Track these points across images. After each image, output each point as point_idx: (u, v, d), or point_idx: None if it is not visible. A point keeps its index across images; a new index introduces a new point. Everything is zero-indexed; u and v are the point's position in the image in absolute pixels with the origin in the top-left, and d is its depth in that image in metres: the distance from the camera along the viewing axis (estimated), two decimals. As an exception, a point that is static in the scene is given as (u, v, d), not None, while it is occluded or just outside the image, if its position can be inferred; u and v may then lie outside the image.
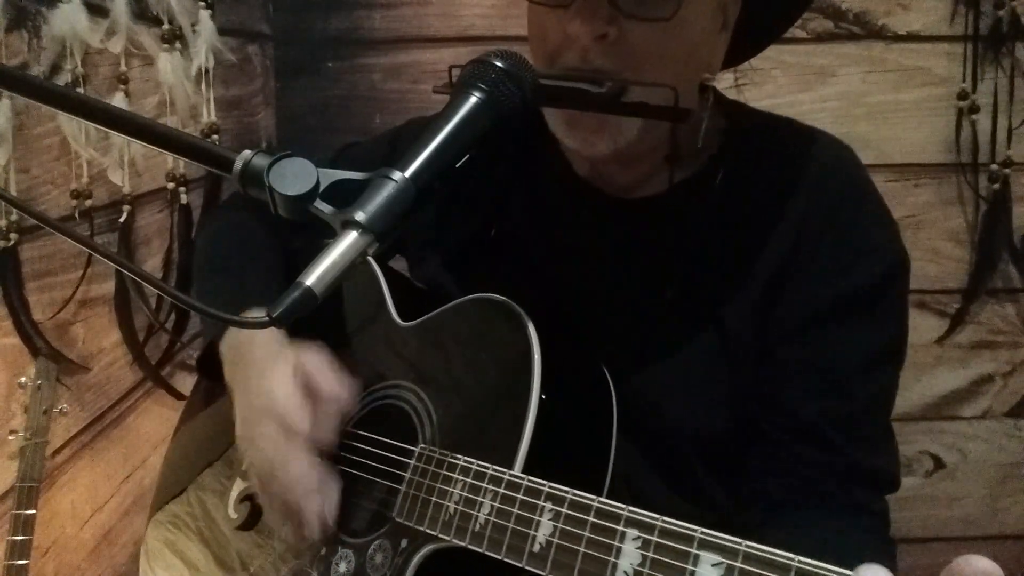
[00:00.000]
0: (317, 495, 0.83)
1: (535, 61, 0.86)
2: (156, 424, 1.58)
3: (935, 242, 1.79)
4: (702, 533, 0.61)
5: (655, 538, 0.63)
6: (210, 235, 1.19)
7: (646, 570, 0.63)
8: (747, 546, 0.59)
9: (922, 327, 1.80)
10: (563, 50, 0.83)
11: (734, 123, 0.95)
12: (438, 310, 0.92)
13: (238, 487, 0.99)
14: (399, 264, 1.10)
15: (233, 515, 0.98)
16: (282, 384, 0.85)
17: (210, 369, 0.99)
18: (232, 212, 1.17)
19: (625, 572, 0.64)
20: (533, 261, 0.99)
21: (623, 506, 0.66)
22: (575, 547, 0.67)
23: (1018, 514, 1.84)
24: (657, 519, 0.64)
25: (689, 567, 0.61)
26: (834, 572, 0.55)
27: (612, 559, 0.65)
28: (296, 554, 0.91)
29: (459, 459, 0.79)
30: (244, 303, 0.90)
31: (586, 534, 0.67)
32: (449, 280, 1.01)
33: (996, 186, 1.75)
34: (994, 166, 1.74)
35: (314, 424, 0.83)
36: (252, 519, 0.96)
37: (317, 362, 0.87)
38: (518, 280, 0.91)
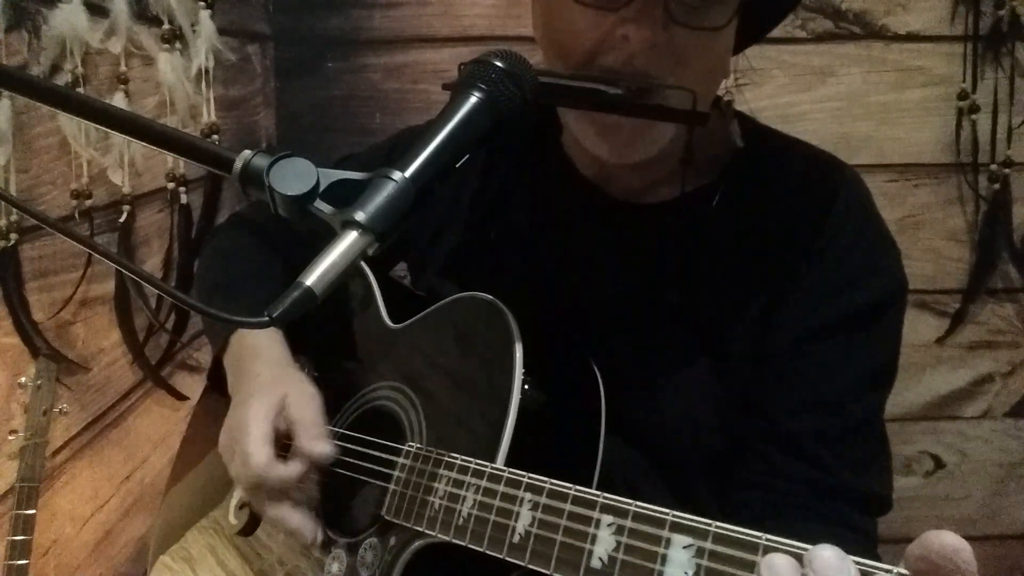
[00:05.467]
0: (289, 517, 0.86)
1: (552, 59, 0.86)
2: (156, 424, 1.58)
3: (935, 242, 1.78)
4: (674, 516, 0.62)
5: (629, 523, 0.64)
6: (209, 255, 1.20)
7: (620, 555, 0.63)
8: (716, 526, 0.60)
9: (922, 327, 1.79)
10: (603, 51, 0.82)
11: (749, 138, 0.95)
12: (426, 311, 0.93)
13: (238, 494, 0.99)
14: (400, 271, 1.10)
15: (233, 521, 0.99)
16: (258, 422, 0.87)
17: (219, 383, 1.01)
18: (231, 231, 1.18)
19: (600, 558, 0.64)
20: (535, 262, 0.98)
21: (598, 493, 0.66)
22: (553, 536, 0.67)
23: (1018, 514, 1.84)
24: (631, 504, 0.64)
25: (661, 550, 0.61)
26: (798, 548, 0.55)
27: (588, 546, 0.65)
28: (292, 556, 0.92)
29: (444, 455, 0.79)
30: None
31: (563, 522, 0.67)
32: (451, 283, 1.01)
33: (996, 186, 1.74)
34: (994, 166, 1.74)
35: (273, 472, 0.85)
36: (251, 525, 0.96)
37: (302, 408, 0.89)
38: (519, 282, 0.91)
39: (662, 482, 0.90)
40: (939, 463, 1.84)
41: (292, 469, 0.85)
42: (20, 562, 1.17)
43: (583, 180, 0.97)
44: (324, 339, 1.04)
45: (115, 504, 1.48)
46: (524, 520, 0.70)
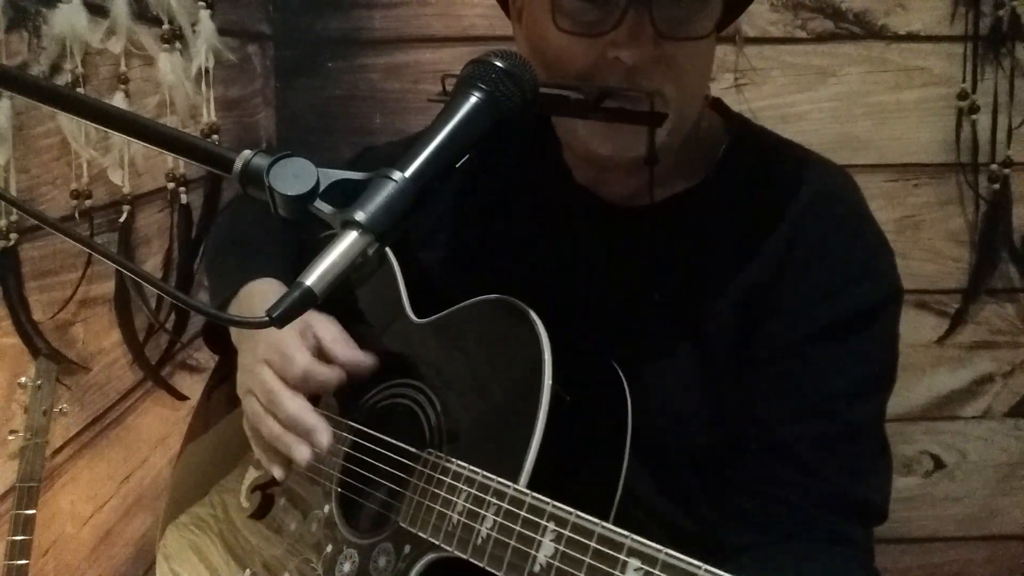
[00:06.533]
0: (304, 424, 0.85)
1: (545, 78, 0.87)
2: (156, 424, 1.58)
3: (935, 242, 1.78)
4: (706, 571, 0.60)
5: (657, 571, 0.62)
6: (227, 216, 1.21)
7: None
8: None
9: (922, 327, 1.79)
10: (600, 73, 0.83)
11: (737, 139, 0.96)
12: (451, 309, 0.91)
13: (250, 476, 0.99)
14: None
15: (245, 504, 0.99)
16: (292, 337, 0.88)
17: (215, 344, 1.03)
18: (243, 202, 1.19)
19: None
20: (530, 264, 0.99)
21: (626, 534, 0.65)
22: (575, 572, 0.66)
23: (1018, 514, 1.84)
24: (660, 551, 0.63)
25: None
26: None
27: None
28: (304, 547, 0.92)
29: (464, 468, 0.78)
30: (256, 271, 0.96)
31: (587, 560, 0.66)
32: (446, 282, 1.01)
33: (996, 186, 1.74)
34: (994, 166, 1.74)
35: (317, 369, 0.87)
36: (263, 508, 0.96)
37: (328, 328, 0.90)
38: (514, 283, 0.91)
39: (652, 478, 0.90)
40: (939, 463, 1.84)
41: (333, 372, 0.88)
42: (20, 562, 1.17)
43: (578, 186, 0.98)
44: (344, 326, 1.03)
45: (115, 504, 1.49)
46: (546, 550, 0.69)
